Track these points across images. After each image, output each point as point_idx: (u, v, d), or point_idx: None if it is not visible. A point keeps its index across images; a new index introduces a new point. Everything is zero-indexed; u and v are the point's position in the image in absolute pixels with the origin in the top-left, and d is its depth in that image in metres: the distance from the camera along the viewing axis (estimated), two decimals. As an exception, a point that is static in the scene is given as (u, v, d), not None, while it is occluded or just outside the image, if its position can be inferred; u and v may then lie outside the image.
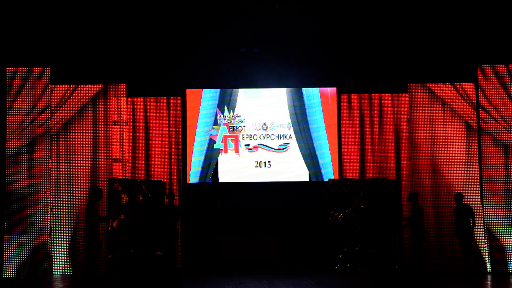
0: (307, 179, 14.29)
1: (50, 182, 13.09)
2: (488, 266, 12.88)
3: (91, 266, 11.99)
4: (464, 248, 12.34)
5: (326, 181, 14.06)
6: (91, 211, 11.94)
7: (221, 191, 14.23)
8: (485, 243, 12.94)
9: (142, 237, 12.72)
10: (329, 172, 14.22)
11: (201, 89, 14.37)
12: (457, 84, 13.63)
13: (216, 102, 14.36)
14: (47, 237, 12.86)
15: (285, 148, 14.33)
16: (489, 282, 11.59)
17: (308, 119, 14.36)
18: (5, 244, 12.65)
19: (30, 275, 12.63)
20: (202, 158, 14.25)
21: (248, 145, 14.30)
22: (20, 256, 12.67)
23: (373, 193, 13.21)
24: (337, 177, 14.05)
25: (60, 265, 13.09)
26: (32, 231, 12.76)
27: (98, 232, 12.05)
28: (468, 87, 13.60)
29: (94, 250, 12.01)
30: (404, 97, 14.05)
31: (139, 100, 14.10)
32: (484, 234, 12.94)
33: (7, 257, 12.62)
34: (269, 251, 13.20)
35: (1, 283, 8.28)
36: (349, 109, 14.31)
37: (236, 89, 14.40)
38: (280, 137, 14.35)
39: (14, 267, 12.61)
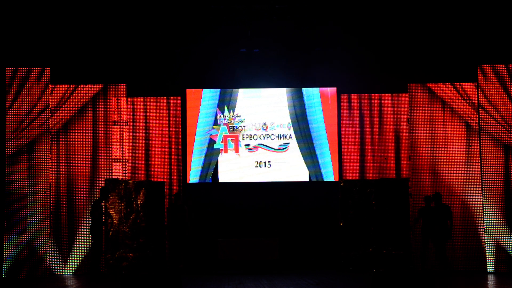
0: (307, 179, 14.29)
1: (50, 182, 13.10)
2: (489, 266, 12.89)
3: (95, 265, 11.99)
4: (438, 250, 12.19)
5: (326, 181, 14.07)
6: (97, 210, 11.95)
7: (221, 191, 14.21)
8: (485, 243, 12.96)
9: (143, 237, 12.69)
10: (329, 172, 14.21)
11: (201, 89, 14.36)
12: (457, 84, 13.64)
13: (216, 102, 14.35)
14: (47, 237, 12.87)
15: (285, 148, 14.33)
16: (489, 282, 11.60)
17: (308, 119, 14.35)
18: (5, 244, 12.66)
19: (30, 275, 12.64)
20: (202, 158, 14.25)
21: (248, 145, 14.29)
22: (20, 256, 12.67)
23: (385, 193, 13.08)
24: (337, 177, 14.04)
25: (59, 265, 13.10)
26: (32, 231, 12.77)
27: (103, 231, 12.05)
28: (468, 87, 13.60)
29: (98, 249, 12.02)
30: (404, 97, 14.04)
31: (139, 100, 14.09)
32: (484, 234, 12.95)
33: (6, 257, 12.63)
34: (269, 251, 13.18)
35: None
36: (349, 109, 14.30)
37: (236, 89, 14.40)
38: (280, 137, 14.35)
39: (14, 267, 12.61)
